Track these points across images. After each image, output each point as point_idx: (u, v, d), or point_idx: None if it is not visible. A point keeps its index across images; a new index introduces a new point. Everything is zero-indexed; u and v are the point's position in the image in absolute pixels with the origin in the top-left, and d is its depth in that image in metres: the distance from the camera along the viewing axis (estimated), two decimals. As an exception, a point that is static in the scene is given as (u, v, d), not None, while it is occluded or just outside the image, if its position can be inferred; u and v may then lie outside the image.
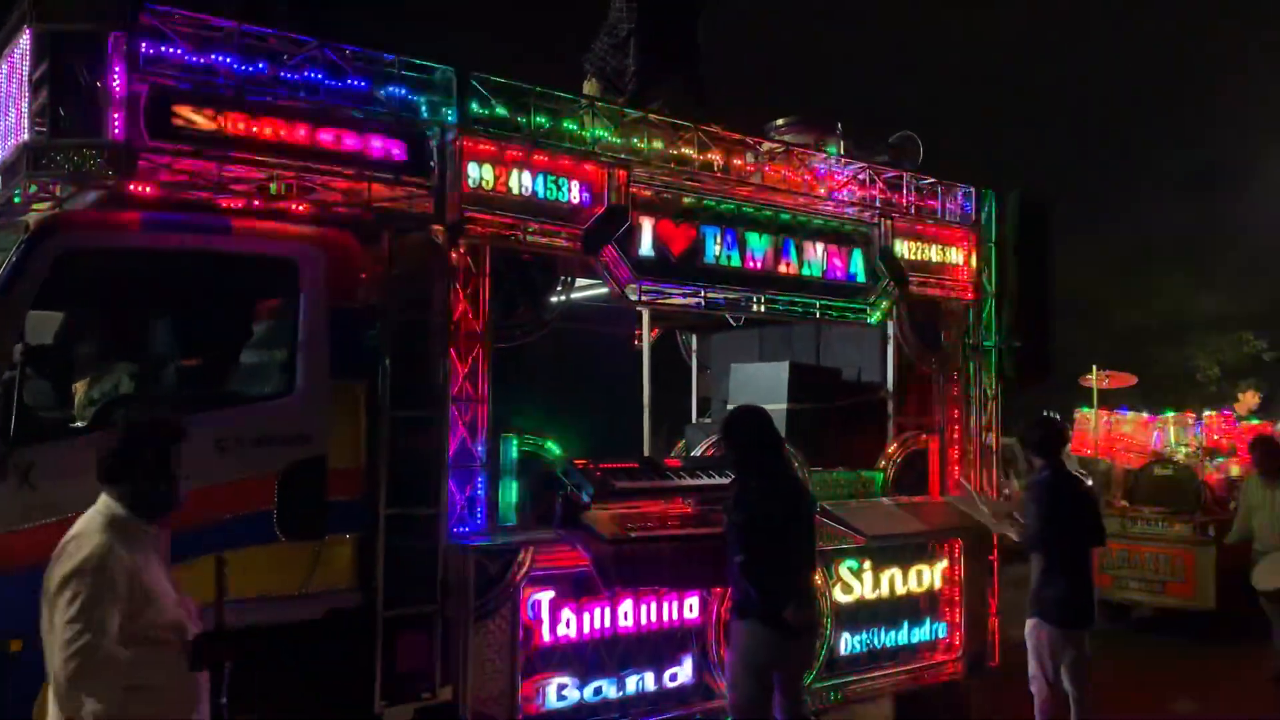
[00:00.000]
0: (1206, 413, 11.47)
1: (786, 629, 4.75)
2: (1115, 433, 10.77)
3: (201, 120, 4.38)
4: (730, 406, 7.54)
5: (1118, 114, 24.83)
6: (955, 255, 7.19)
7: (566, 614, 5.28)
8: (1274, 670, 7.87)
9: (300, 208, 4.75)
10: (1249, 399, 10.74)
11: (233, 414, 4.55)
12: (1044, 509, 5.67)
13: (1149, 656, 8.94)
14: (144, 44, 4.27)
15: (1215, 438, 10.67)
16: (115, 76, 4.18)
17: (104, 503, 3.32)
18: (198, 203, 4.57)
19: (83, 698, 3.12)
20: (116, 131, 4.17)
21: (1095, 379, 11.07)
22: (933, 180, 7.14)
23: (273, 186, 4.78)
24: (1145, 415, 11.26)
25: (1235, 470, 10.14)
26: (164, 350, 4.74)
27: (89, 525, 3.27)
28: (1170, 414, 11.22)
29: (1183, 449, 10.64)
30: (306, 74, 4.72)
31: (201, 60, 4.46)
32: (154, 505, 3.35)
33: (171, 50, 4.36)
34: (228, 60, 4.52)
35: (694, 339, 8.78)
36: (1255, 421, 10.89)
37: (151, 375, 4.60)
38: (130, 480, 3.30)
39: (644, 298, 5.93)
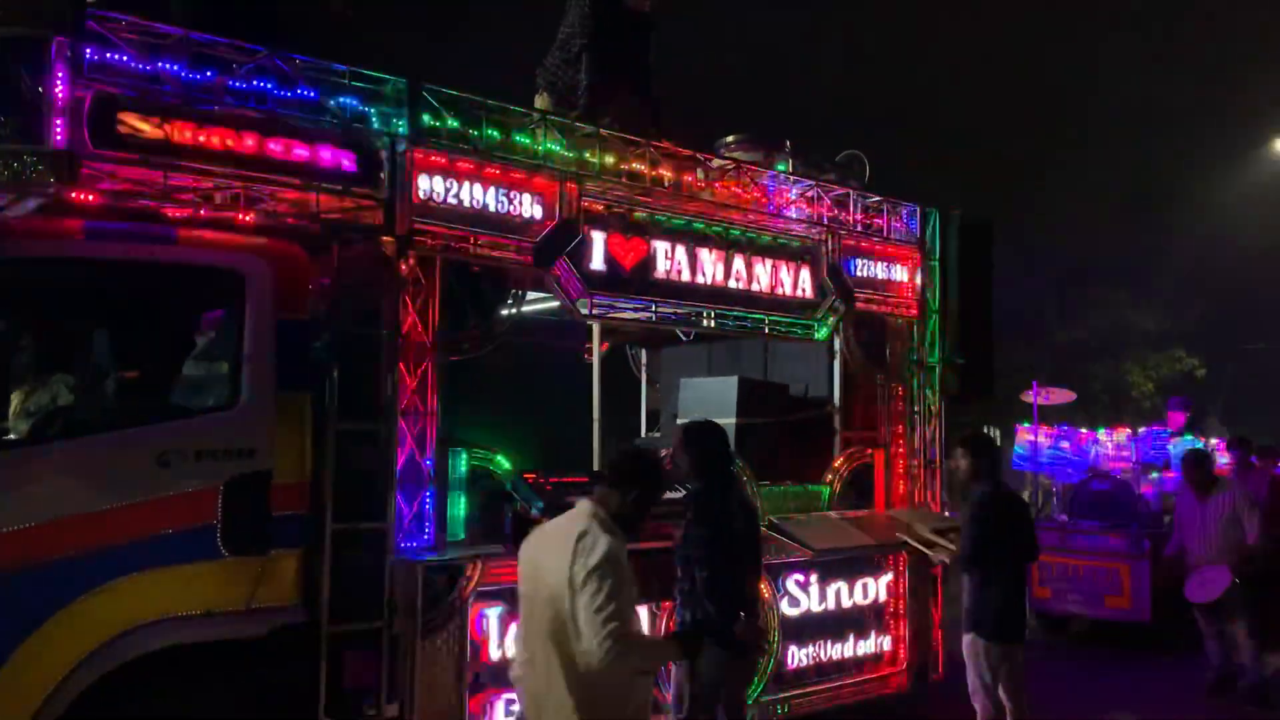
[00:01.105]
0: (1142, 428, 11.73)
1: (738, 646, 4.77)
2: (1054, 448, 10.99)
3: (147, 128, 4.32)
4: (680, 421, 7.59)
5: (1058, 135, 25.39)
6: (900, 273, 7.31)
7: (515, 629, 5.24)
8: (1207, 681, 8.05)
9: (247, 218, 4.69)
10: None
11: (175, 427, 4.47)
12: (981, 526, 5.76)
13: (1087, 668, 9.11)
14: (88, 50, 4.20)
15: (1150, 453, 10.93)
16: (58, 82, 4.10)
17: (592, 506, 3.60)
18: (142, 212, 4.49)
19: (612, 680, 3.39)
20: (58, 138, 4.09)
21: (1035, 395, 11.31)
22: (879, 199, 7.26)
23: (219, 196, 4.72)
24: (1083, 431, 11.50)
25: (1170, 484, 10.38)
26: (105, 361, 4.64)
27: (589, 524, 3.52)
28: (1106, 430, 11.47)
29: (1121, 464, 10.87)
30: (255, 83, 4.67)
31: (148, 67, 4.40)
32: (631, 521, 3.66)
33: (117, 57, 4.29)
34: (175, 68, 4.46)
35: (644, 353, 8.81)
36: (1188, 438, 11.16)
37: (91, 387, 4.51)
38: (634, 491, 3.63)
39: (595, 312, 5.95)
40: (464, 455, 5.20)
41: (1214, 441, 11.55)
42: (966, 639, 5.91)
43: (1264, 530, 7.72)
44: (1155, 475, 11.05)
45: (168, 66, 4.44)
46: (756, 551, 5.14)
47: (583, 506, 3.63)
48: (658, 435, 8.18)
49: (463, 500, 5.17)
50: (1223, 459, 10.51)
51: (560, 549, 3.48)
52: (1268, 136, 23.97)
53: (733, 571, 4.79)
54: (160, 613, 4.28)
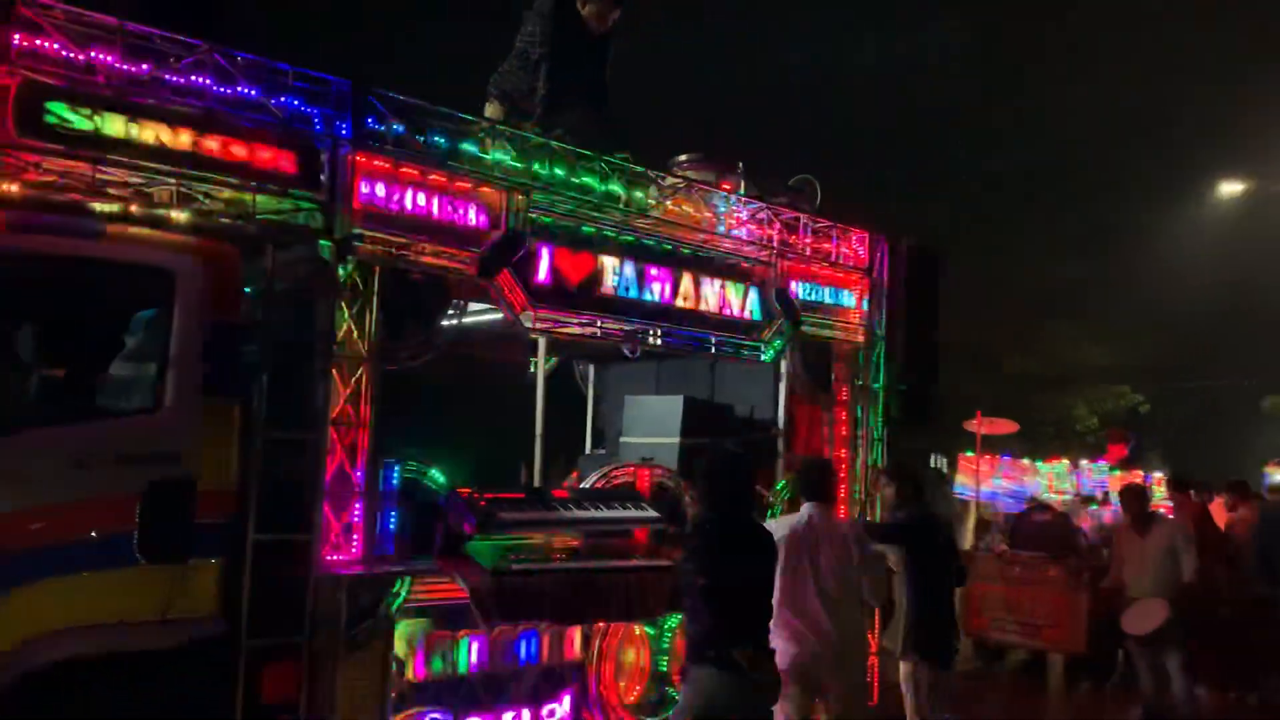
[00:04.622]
0: (1083, 461, 11.86)
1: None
2: (997, 477, 11.07)
3: (76, 119, 4.19)
4: (624, 439, 7.52)
5: (1013, 170, 25.85)
6: (848, 298, 7.31)
7: (442, 647, 5.13)
8: (1141, 713, 8.10)
9: (180, 216, 4.56)
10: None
11: (94, 428, 4.32)
12: (905, 552, 5.76)
13: (1023, 698, 9.14)
14: (16, 36, 4.08)
15: (1090, 486, 11.04)
16: (-18, 68, 3.96)
17: None
18: (68, 205, 4.35)
19: None
20: (-20, 126, 3.95)
21: (979, 424, 11.41)
22: (829, 224, 7.26)
23: (153, 192, 4.58)
24: (1026, 461, 11.60)
25: (1108, 517, 10.49)
26: (25, 358, 4.47)
27: None
28: (1047, 462, 11.58)
29: (1060, 496, 10.97)
30: (194, 78, 4.55)
31: (81, 57, 4.27)
32: None
33: (47, 44, 4.17)
34: (110, 59, 4.33)
35: (591, 369, 8.72)
36: (1119, 472, 11.30)
37: (7, 383, 4.33)
38: None
39: (539, 325, 5.87)
40: (397, 468, 5.08)
41: (1157, 475, 11.71)
42: (905, 666, 5.89)
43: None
44: (1094, 507, 11.16)
45: (102, 57, 4.32)
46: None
47: None
48: (603, 453, 8.09)
49: (393, 514, 5.05)
50: (1161, 493, 10.67)
51: None
52: (1214, 178, 24.50)
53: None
54: (69, 621, 4.11)
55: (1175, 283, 26.01)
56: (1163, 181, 25.62)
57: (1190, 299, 26.28)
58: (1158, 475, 11.80)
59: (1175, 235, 25.76)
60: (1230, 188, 24.10)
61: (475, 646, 5.24)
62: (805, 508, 5.32)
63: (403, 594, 4.92)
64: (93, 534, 4.20)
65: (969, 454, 11.40)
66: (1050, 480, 11.00)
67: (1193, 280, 26.15)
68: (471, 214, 5.39)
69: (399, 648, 4.97)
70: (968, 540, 11.68)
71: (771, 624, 4.79)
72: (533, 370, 7.53)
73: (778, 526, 5.23)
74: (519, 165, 5.64)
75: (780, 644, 4.95)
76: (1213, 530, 9.20)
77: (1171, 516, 8.69)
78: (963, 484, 11.28)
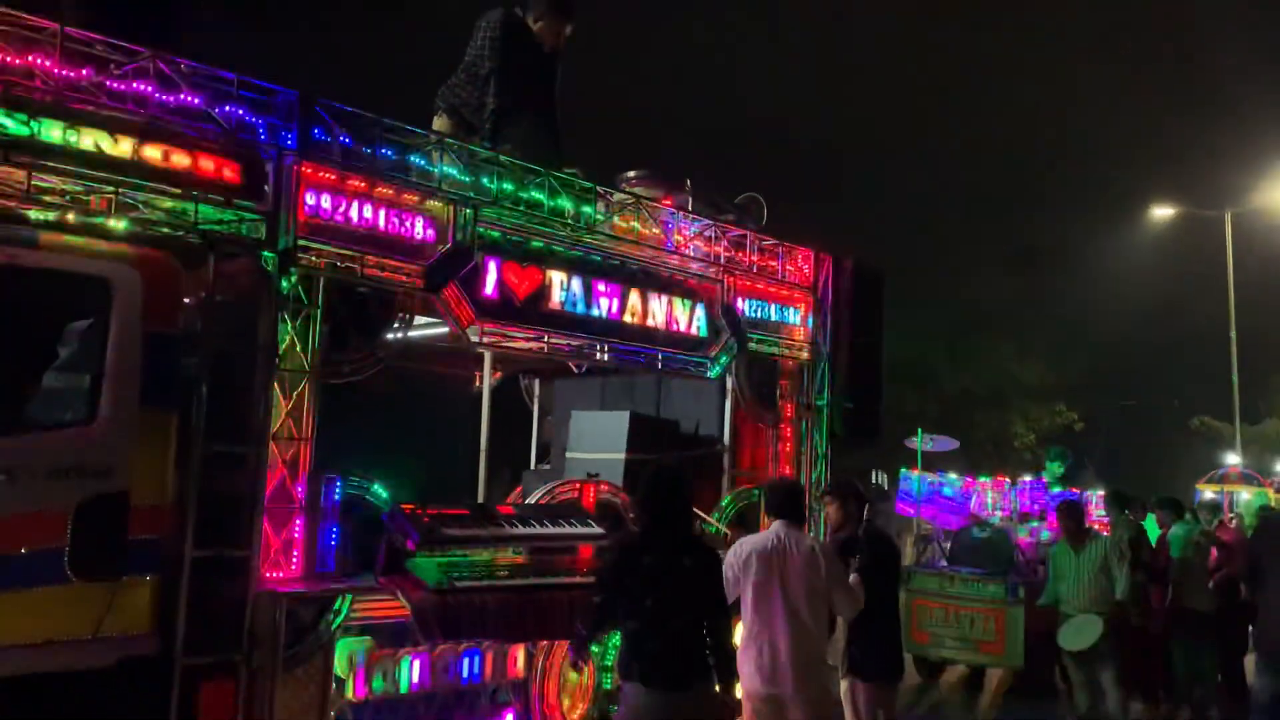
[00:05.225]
0: (1021, 478, 12.06)
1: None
2: (936, 495, 11.20)
3: (11, 124, 4.08)
4: (569, 454, 7.49)
5: (951, 193, 26.39)
6: (793, 316, 7.37)
7: (383, 665, 5.05)
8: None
9: (118, 225, 4.46)
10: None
11: (24, 441, 4.18)
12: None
13: (962, 712, 9.24)
14: (-50, 38, 3.96)
15: (1028, 503, 11.21)
16: (-88, 69, 3.86)
17: None
18: (2, 212, 4.23)
19: None
20: (-92, 129, 3.84)
21: (920, 442, 11.56)
22: (775, 242, 7.33)
23: (90, 200, 4.48)
24: (965, 479, 11.76)
25: (1046, 535, 10.65)
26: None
27: None
28: (987, 478, 11.75)
29: (998, 513, 11.13)
30: (136, 85, 4.47)
31: (18, 61, 4.17)
32: None
33: (-18, 48, 4.06)
34: (48, 64, 4.23)
35: (537, 384, 8.69)
36: (1058, 489, 11.48)
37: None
38: None
39: (485, 339, 5.84)
40: (339, 483, 5.00)
41: (1096, 493, 11.92)
42: (845, 683, 5.91)
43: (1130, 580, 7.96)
44: (1034, 524, 11.33)
45: (40, 61, 4.22)
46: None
47: None
48: (548, 468, 8.06)
49: (334, 530, 4.97)
50: (1099, 511, 10.86)
51: None
52: (1148, 201, 25.17)
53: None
54: (-5, 640, 3.99)
55: (1107, 303, 26.68)
56: (1095, 204, 26.32)
57: (1121, 319, 26.96)
58: (1094, 492, 12.03)
59: (1107, 256, 26.42)
60: (1161, 211, 24.81)
61: (417, 664, 5.16)
62: (774, 525, 5.29)
63: (343, 611, 4.84)
64: (22, 550, 4.08)
65: (906, 471, 11.54)
66: (991, 497, 11.14)
67: (1124, 301, 26.84)
68: (418, 227, 5.35)
69: (339, 666, 4.89)
70: (907, 556, 11.79)
71: (739, 641, 4.79)
72: (478, 385, 7.51)
73: (745, 544, 5.22)
74: (467, 179, 5.62)
75: (746, 665, 4.97)
76: (1139, 543, 9.37)
77: (1106, 533, 8.85)
78: (903, 498, 11.42)
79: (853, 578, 5.59)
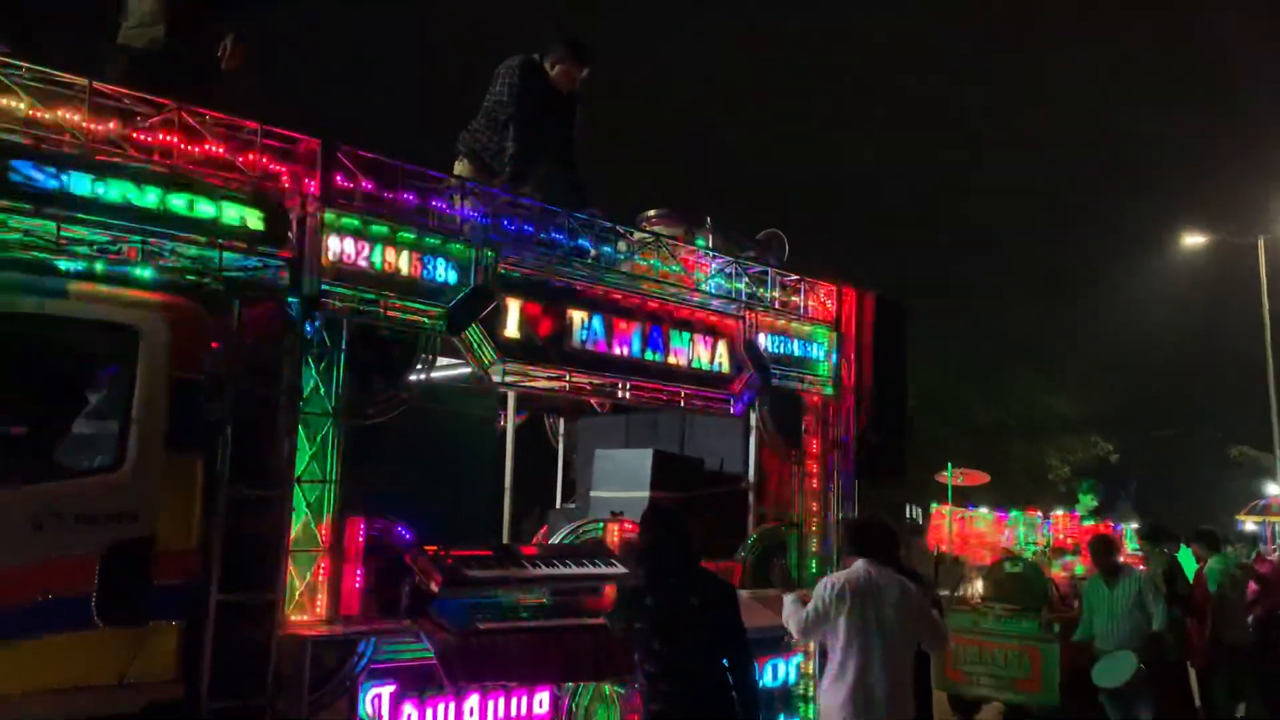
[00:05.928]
0: (1055, 511, 11.90)
1: None
2: (968, 529, 11.08)
3: (42, 177, 4.18)
4: (594, 493, 7.49)
5: (981, 223, 26.31)
6: (816, 351, 7.35)
7: (408, 709, 5.05)
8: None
9: (145, 273, 4.54)
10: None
11: (53, 488, 4.24)
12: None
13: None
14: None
15: (1061, 536, 11.07)
16: (-55, 128, 3.96)
17: None
18: (33, 263, 4.32)
19: None
20: (-57, 184, 3.94)
21: (950, 477, 11.44)
22: (796, 277, 7.33)
23: (118, 249, 4.57)
24: (997, 513, 11.62)
25: (1080, 569, 10.50)
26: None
27: None
28: (1020, 512, 11.60)
29: (1031, 547, 10.99)
30: (162, 136, 4.57)
31: (47, 115, 4.28)
32: None
33: (11, 104, 4.16)
34: (75, 117, 4.34)
35: (561, 423, 8.71)
36: (1093, 522, 11.33)
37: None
38: None
39: (508, 379, 5.86)
40: (362, 525, 5.02)
41: (1130, 525, 11.76)
42: None
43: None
44: (1068, 558, 11.18)
45: (68, 115, 4.32)
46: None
47: None
48: (573, 507, 8.05)
49: (359, 573, 4.98)
50: (1132, 545, 10.70)
51: None
52: (1179, 229, 24.95)
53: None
54: (24, 687, 4.02)
55: (1142, 333, 26.41)
56: (1128, 233, 26.17)
57: (1156, 349, 26.67)
58: (1127, 525, 11.87)
59: (1141, 286, 26.18)
60: (1193, 239, 24.58)
61: (441, 708, 5.15)
62: (859, 563, 5.34)
63: (368, 655, 4.85)
64: (50, 597, 4.12)
65: (937, 506, 11.43)
66: (1024, 532, 11.00)
67: (1158, 330, 26.55)
68: (440, 269, 5.40)
69: (364, 710, 4.88)
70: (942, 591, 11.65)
71: (828, 670, 4.96)
72: (503, 424, 7.54)
73: (838, 578, 5.33)
74: (488, 222, 5.67)
75: (837, 696, 5.10)
76: (1174, 576, 9.22)
77: (1141, 568, 8.72)
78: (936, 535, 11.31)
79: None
